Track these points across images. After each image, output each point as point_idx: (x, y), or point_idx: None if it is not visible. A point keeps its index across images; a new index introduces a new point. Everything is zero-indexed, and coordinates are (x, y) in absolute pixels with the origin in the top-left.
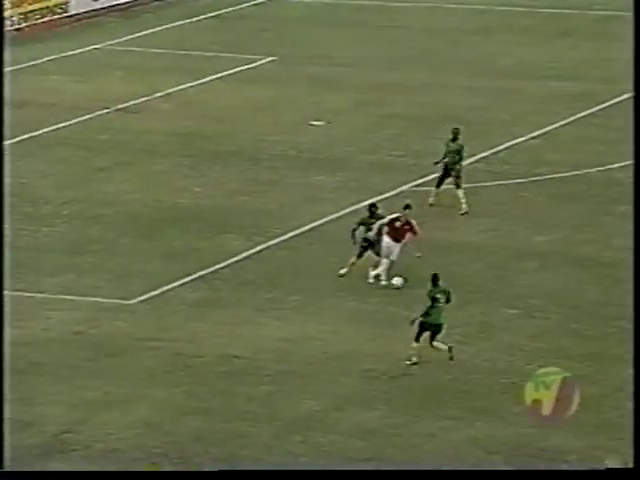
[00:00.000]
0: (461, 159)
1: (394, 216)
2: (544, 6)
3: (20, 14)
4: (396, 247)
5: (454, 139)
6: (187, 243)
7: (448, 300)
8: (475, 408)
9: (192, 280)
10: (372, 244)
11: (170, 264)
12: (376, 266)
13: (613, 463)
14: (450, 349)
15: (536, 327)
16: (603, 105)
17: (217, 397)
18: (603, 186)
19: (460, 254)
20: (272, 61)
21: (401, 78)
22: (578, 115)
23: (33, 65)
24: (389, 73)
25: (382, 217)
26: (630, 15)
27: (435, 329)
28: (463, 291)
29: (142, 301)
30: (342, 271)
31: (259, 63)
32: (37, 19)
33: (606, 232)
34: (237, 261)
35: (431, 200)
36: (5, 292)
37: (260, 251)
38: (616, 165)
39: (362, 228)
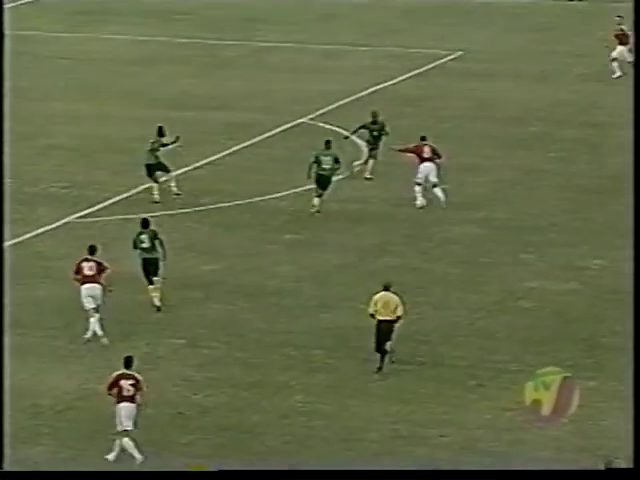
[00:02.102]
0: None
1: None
2: (201, 37)
3: None
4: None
5: (374, 122)
6: None
7: None
8: (145, 441)
9: None
10: None
11: None
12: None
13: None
14: None
15: (203, 356)
16: (264, 135)
17: None
18: (266, 215)
19: (123, 286)
20: None
21: (62, 109)
22: (240, 145)
23: None
24: (49, 104)
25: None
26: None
27: None
28: (128, 323)
29: None
30: None
31: None
32: None
33: (271, 260)
34: None
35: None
36: None
37: None
38: (278, 194)
39: None
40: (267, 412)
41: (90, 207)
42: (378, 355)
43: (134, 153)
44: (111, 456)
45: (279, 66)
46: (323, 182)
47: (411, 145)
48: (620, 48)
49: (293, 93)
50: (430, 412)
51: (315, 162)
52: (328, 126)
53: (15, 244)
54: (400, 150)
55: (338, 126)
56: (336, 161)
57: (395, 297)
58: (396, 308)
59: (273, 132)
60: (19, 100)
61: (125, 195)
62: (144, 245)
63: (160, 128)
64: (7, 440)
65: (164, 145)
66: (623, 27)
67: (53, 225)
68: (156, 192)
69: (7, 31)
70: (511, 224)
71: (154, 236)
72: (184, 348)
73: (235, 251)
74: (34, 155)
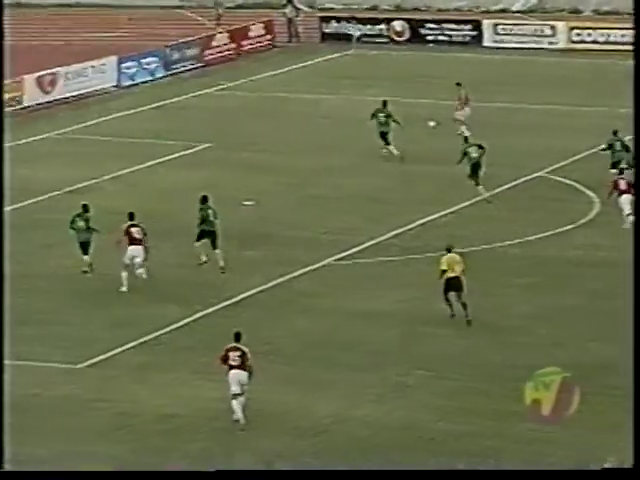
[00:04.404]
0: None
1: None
2: (444, 98)
3: None
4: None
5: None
6: (130, 312)
7: None
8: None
9: (135, 346)
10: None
11: (115, 331)
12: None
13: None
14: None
15: (446, 387)
16: (504, 187)
17: (156, 453)
18: (502, 260)
19: (377, 321)
20: (209, 147)
21: (321, 162)
22: (481, 196)
23: None
24: (311, 157)
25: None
26: None
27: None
28: (380, 354)
29: (89, 366)
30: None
31: (197, 149)
32: None
33: (506, 301)
34: (176, 328)
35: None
36: None
37: (197, 319)
38: (513, 241)
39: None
40: (501, 437)
41: (346, 250)
42: (447, 305)
43: (385, 202)
44: (235, 417)
45: (521, 124)
46: (475, 169)
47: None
48: None
49: (533, 148)
50: None
51: (465, 154)
52: (563, 179)
53: (279, 283)
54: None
55: (574, 180)
56: (480, 147)
57: (458, 256)
58: (460, 263)
59: (511, 184)
60: (286, 155)
61: (377, 240)
62: (210, 218)
63: None
64: (271, 457)
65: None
66: None
67: (313, 266)
68: None
69: (282, 94)
70: None
71: (214, 213)
72: (430, 379)
73: (474, 292)
74: (297, 204)
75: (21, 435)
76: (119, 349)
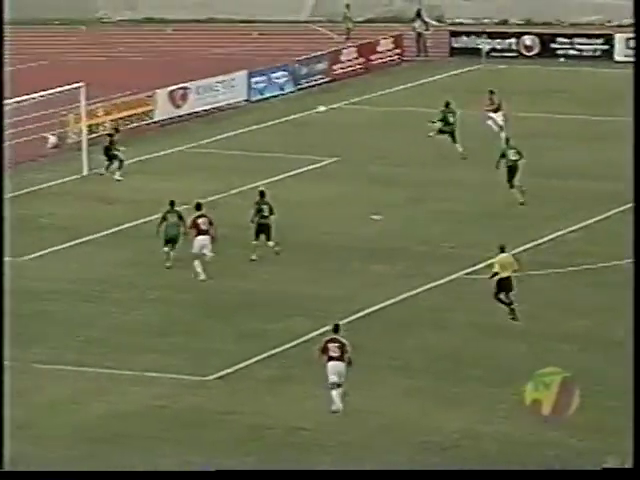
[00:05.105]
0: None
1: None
2: (576, 113)
3: (111, 121)
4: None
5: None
6: (259, 325)
7: None
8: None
9: (263, 359)
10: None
11: (244, 344)
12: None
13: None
14: None
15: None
16: (628, 205)
17: (287, 466)
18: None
19: (507, 335)
20: (336, 161)
21: (447, 176)
22: (611, 212)
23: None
24: (439, 171)
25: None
26: None
27: None
28: (509, 370)
29: (218, 378)
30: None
31: (324, 163)
32: (126, 125)
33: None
34: (304, 341)
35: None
36: (96, 369)
37: (324, 332)
38: None
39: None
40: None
41: (475, 265)
42: (501, 304)
43: (513, 216)
44: (334, 407)
45: None
46: (513, 171)
47: None
48: None
49: None
50: None
51: (503, 155)
52: None
53: (407, 297)
54: None
55: None
56: (519, 153)
57: (511, 257)
58: (512, 264)
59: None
60: (414, 168)
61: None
62: (264, 213)
63: None
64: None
65: None
66: None
67: (443, 280)
68: None
69: (410, 108)
70: None
71: (270, 208)
72: None
73: (604, 308)
74: (425, 217)
75: (144, 444)
76: (248, 362)
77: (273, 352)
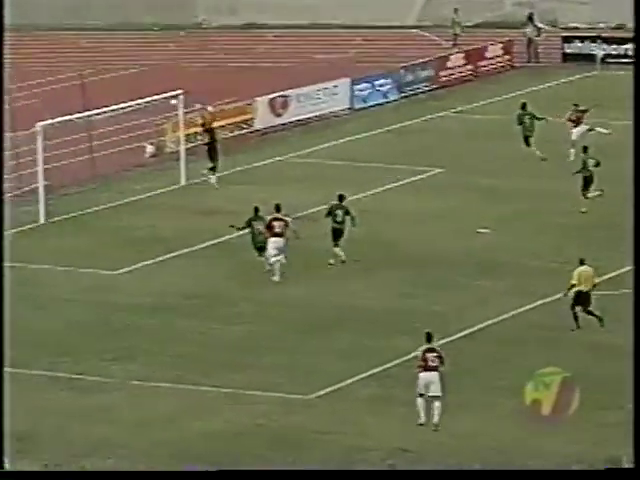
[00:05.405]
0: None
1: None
2: None
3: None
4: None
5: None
6: (360, 342)
7: None
8: None
9: (365, 377)
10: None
11: (344, 362)
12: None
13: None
14: None
15: None
16: None
17: None
18: None
19: (623, 356)
20: (441, 172)
21: (560, 189)
22: None
23: (220, 176)
24: (550, 183)
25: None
26: None
27: None
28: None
29: (319, 397)
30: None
31: (429, 174)
32: (225, 134)
33: None
34: (406, 360)
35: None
36: (192, 387)
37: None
38: None
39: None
40: None
41: None
42: (573, 318)
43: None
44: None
45: None
46: (589, 182)
47: None
48: None
49: None
50: None
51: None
52: None
53: (515, 315)
54: None
55: None
56: (597, 164)
57: (591, 270)
58: (593, 278)
59: None
60: (524, 180)
61: (619, 272)
62: (338, 219)
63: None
64: None
65: None
66: None
67: (553, 297)
68: None
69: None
70: None
71: (346, 212)
72: None
73: None
74: (535, 231)
75: (242, 464)
76: (349, 380)
77: (374, 371)
